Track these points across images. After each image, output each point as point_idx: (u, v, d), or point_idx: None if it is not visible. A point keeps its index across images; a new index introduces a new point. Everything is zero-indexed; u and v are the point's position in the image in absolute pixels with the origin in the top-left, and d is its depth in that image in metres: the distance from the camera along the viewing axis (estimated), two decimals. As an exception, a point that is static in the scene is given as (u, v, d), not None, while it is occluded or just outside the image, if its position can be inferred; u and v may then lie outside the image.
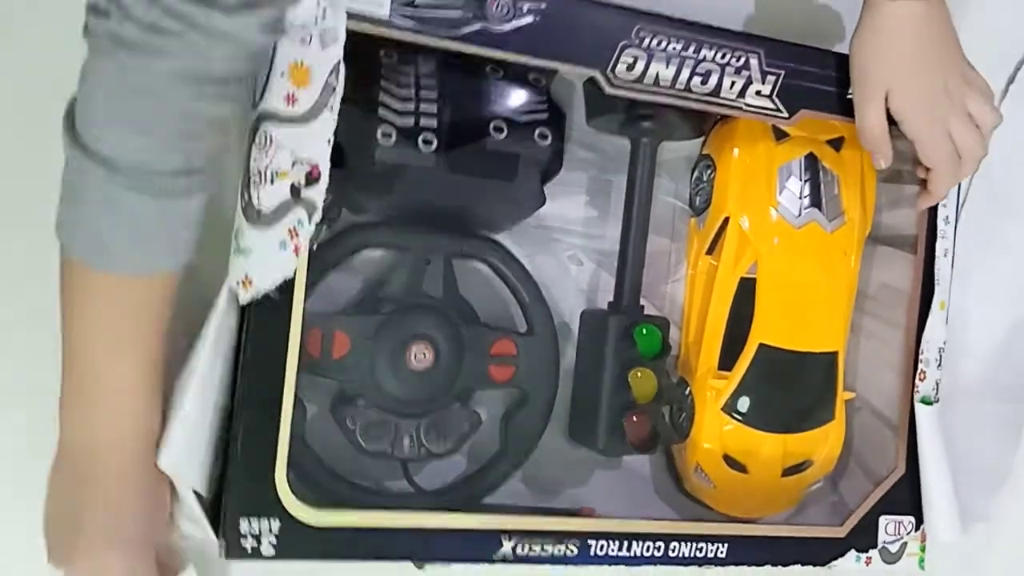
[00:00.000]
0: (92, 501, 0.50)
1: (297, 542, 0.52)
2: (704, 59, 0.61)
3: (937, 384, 0.68)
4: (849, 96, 0.64)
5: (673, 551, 0.62)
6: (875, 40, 0.61)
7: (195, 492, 0.53)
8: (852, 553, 0.67)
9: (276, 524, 0.52)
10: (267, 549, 0.52)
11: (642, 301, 0.67)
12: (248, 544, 0.51)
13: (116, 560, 0.51)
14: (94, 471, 0.50)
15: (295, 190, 0.51)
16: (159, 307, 0.50)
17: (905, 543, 0.69)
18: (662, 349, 0.65)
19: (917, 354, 0.68)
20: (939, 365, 0.68)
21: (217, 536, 0.53)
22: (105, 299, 0.48)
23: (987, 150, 0.64)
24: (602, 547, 0.60)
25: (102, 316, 0.49)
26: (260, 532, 0.52)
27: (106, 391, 0.50)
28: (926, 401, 0.68)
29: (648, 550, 0.62)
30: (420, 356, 0.60)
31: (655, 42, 0.60)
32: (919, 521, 0.69)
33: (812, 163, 0.68)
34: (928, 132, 0.62)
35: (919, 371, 0.68)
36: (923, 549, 0.70)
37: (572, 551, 0.60)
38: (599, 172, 0.70)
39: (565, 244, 0.69)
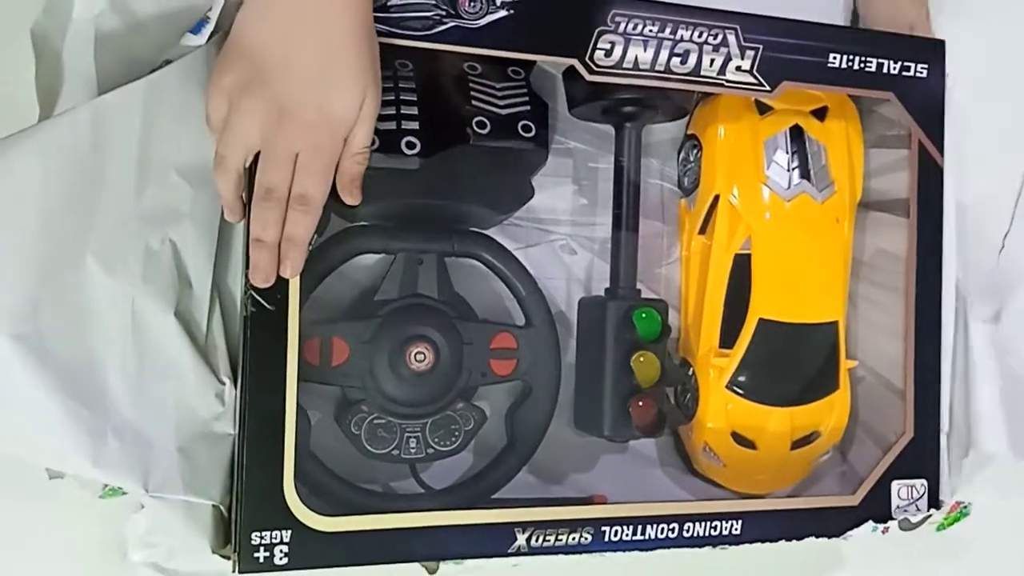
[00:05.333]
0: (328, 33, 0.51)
1: (309, 550, 0.53)
2: (681, 39, 0.61)
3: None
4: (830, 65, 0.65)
5: (688, 532, 0.62)
6: None
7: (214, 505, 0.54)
8: (869, 524, 0.67)
9: (287, 534, 0.52)
10: (280, 559, 0.52)
11: (638, 285, 0.67)
12: (261, 555, 0.52)
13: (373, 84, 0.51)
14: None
15: None
16: None
17: (929, 515, 0.69)
18: (662, 331, 0.65)
19: (917, 316, 0.68)
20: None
21: (233, 551, 0.53)
22: None
23: None
24: (616, 533, 0.60)
25: None
26: (272, 543, 0.52)
27: None
28: None
29: (663, 532, 0.62)
30: (420, 356, 0.60)
31: (631, 26, 0.60)
32: (931, 484, 0.68)
33: (798, 135, 0.68)
34: None
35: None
36: (950, 520, 0.70)
37: (586, 539, 0.60)
38: (585, 160, 0.70)
39: (557, 234, 0.69)
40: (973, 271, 0.71)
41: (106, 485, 0.55)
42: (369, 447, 0.60)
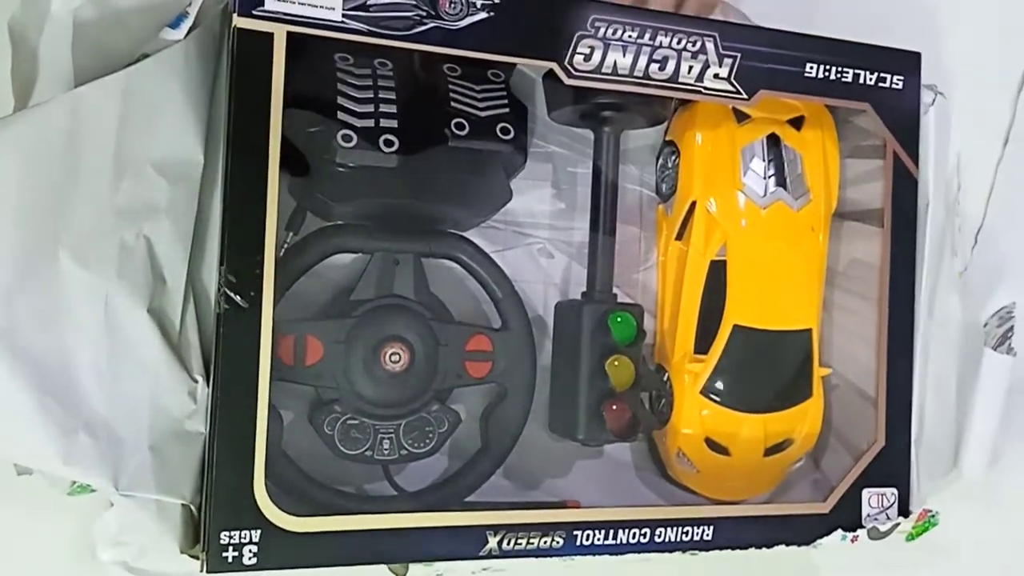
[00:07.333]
0: None
1: (279, 550, 0.52)
2: (660, 45, 0.62)
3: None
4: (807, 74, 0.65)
5: (659, 537, 0.62)
6: None
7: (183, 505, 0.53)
8: (839, 532, 0.67)
9: (257, 534, 0.52)
10: (248, 559, 0.52)
11: (615, 290, 0.67)
12: (229, 555, 0.51)
13: None
14: None
15: None
16: None
17: (897, 523, 0.69)
18: (637, 335, 0.65)
19: (890, 325, 0.69)
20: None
21: (201, 551, 0.53)
22: None
23: None
24: (588, 537, 0.60)
25: None
26: (241, 543, 0.51)
27: None
28: None
29: (634, 537, 0.62)
30: (395, 357, 0.60)
31: (611, 31, 0.61)
32: (901, 493, 0.69)
33: (775, 143, 0.68)
34: None
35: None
36: (919, 530, 0.71)
37: (558, 543, 0.60)
38: (564, 164, 0.70)
39: (534, 238, 0.70)
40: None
41: (75, 482, 0.54)
42: (342, 448, 0.59)
